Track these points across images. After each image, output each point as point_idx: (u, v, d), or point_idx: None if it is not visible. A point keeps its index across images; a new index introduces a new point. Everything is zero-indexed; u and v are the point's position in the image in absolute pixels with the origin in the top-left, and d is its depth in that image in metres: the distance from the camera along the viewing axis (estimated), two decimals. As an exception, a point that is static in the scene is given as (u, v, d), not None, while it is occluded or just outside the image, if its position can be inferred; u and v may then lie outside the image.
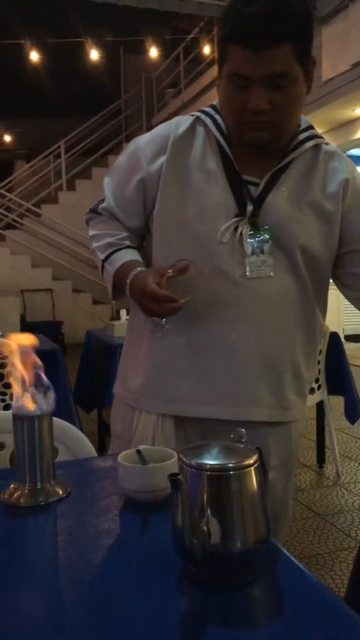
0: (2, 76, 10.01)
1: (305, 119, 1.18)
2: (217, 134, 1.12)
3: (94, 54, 9.37)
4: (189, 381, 1.09)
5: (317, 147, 1.15)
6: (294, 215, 1.10)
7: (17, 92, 10.42)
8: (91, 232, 1.22)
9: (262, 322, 1.10)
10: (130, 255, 1.15)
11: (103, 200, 1.20)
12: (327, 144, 1.18)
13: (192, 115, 1.17)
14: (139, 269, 1.10)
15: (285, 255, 1.10)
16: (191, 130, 1.14)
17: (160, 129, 1.16)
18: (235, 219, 1.09)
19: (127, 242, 1.18)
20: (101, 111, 10.51)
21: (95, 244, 1.19)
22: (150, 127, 9.92)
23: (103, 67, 9.86)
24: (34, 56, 9.48)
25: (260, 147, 1.09)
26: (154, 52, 9.12)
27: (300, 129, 1.15)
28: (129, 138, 10.50)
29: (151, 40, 8.63)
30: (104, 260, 1.16)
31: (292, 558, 0.71)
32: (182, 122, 1.15)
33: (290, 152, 1.12)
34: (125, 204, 1.16)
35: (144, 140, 1.16)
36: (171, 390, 1.10)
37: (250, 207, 1.09)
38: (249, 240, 1.09)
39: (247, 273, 1.09)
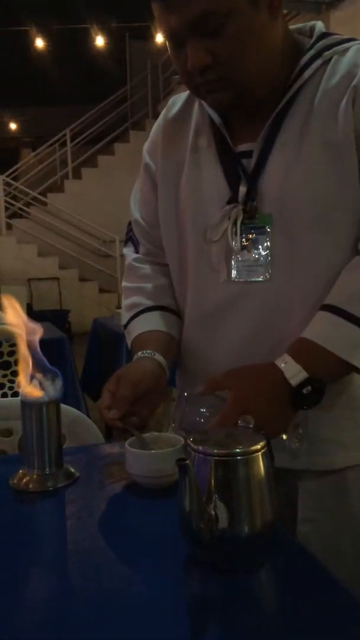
0: (8, 64, 9.95)
1: (319, 27, 0.94)
2: (207, 105, 0.96)
3: (100, 41, 9.32)
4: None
5: (328, 61, 0.89)
6: (295, 174, 0.88)
7: (22, 80, 10.37)
8: (123, 283, 1.13)
9: (246, 337, 0.93)
10: (147, 323, 1.03)
11: None
12: (347, 46, 0.89)
13: None
14: (145, 353, 0.97)
15: (294, 245, 0.90)
16: (186, 107, 1.02)
17: (158, 119, 1.09)
18: (227, 207, 0.93)
19: (151, 302, 1.05)
20: (107, 98, 10.45)
21: (123, 301, 1.11)
22: (156, 114, 9.89)
23: (108, 53, 9.80)
24: (39, 43, 9.44)
25: (235, 108, 0.91)
26: (159, 38, 9.03)
27: (309, 44, 0.91)
28: (135, 125, 10.45)
29: (157, 27, 8.54)
30: (125, 327, 1.09)
31: (300, 543, 0.71)
32: (177, 101, 1.05)
33: (289, 88, 0.89)
34: (147, 212, 1.08)
35: (148, 140, 1.10)
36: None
37: (243, 189, 0.92)
38: (238, 233, 0.91)
39: (234, 276, 0.93)
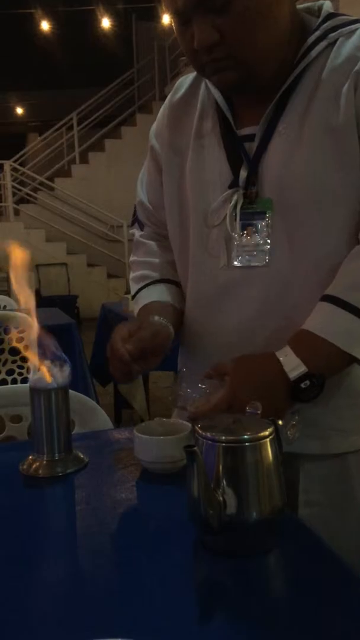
0: (13, 47, 9.86)
1: (326, 7, 0.92)
2: (212, 86, 0.96)
3: (106, 23, 9.20)
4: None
5: (333, 43, 0.88)
6: (296, 159, 0.87)
7: (28, 64, 10.28)
8: (131, 258, 1.15)
9: (247, 321, 0.93)
10: (155, 294, 1.05)
11: None
12: (353, 29, 0.87)
13: None
14: (161, 319, 0.97)
15: (294, 230, 0.89)
16: (193, 89, 1.01)
17: (165, 101, 1.08)
18: (228, 191, 0.92)
19: (158, 275, 1.07)
20: (113, 81, 10.35)
21: (131, 274, 1.13)
22: (163, 97, 9.80)
23: (115, 36, 9.68)
24: (45, 26, 9.34)
25: (242, 88, 0.90)
26: (166, 19, 8.90)
27: (316, 25, 0.90)
28: (142, 108, 10.36)
29: (163, 7, 8.42)
30: (132, 297, 1.11)
31: (311, 529, 0.72)
32: (184, 82, 1.04)
33: (293, 70, 0.88)
34: (153, 194, 1.09)
35: (155, 122, 1.09)
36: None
37: (244, 173, 0.91)
38: (239, 217, 0.91)
39: (234, 261, 0.92)
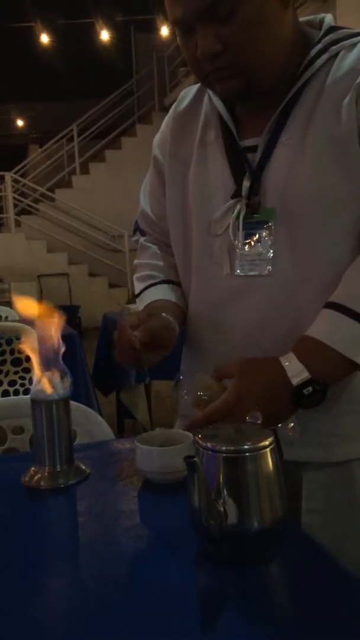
0: (13, 60, 9.96)
1: (328, 20, 0.93)
2: (215, 97, 0.97)
3: (105, 35, 9.29)
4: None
5: (335, 56, 0.89)
6: (299, 169, 0.88)
7: (28, 76, 10.37)
8: (135, 261, 1.17)
9: (250, 329, 0.93)
10: (160, 293, 1.06)
11: None
12: (355, 42, 0.89)
13: None
14: (163, 314, 0.98)
15: (297, 240, 0.89)
16: (196, 100, 1.02)
17: (169, 112, 1.09)
18: (231, 201, 0.93)
19: (162, 276, 1.08)
20: (113, 92, 10.42)
21: (135, 275, 1.15)
22: (162, 107, 9.87)
23: (114, 47, 9.77)
24: (45, 39, 9.42)
25: (244, 98, 0.91)
26: (165, 31, 8.98)
27: (317, 38, 0.91)
28: (141, 119, 10.43)
29: (162, 18, 8.51)
30: (137, 297, 1.12)
31: (313, 538, 0.72)
32: (187, 94, 1.05)
33: (296, 81, 0.89)
34: (156, 204, 1.10)
35: (158, 132, 1.10)
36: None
37: (247, 183, 0.92)
38: (242, 227, 0.92)
39: (237, 270, 0.93)
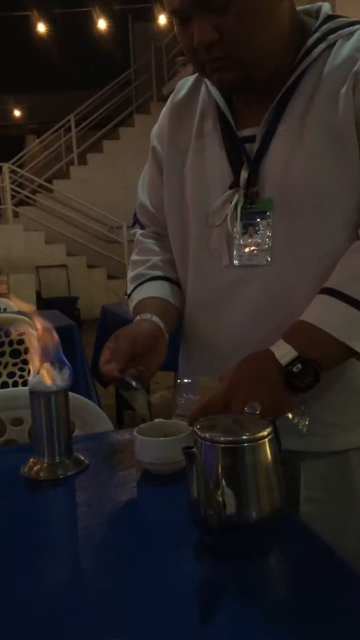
0: (10, 50, 9.88)
1: (325, 9, 0.93)
2: (212, 87, 0.97)
3: (102, 24, 9.21)
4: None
5: (332, 45, 0.89)
6: (297, 159, 0.88)
7: (25, 66, 10.30)
8: (132, 257, 1.16)
9: (249, 320, 0.93)
10: (151, 290, 1.05)
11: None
12: (352, 30, 0.88)
13: None
14: (143, 316, 0.99)
15: (295, 230, 0.89)
16: (194, 90, 1.02)
17: (167, 102, 1.08)
18: (229, 192, 0.93)
19: (154, 272, 1.08)
20: (111, 82, 10.35)
21: (129, 273, 1.14)
22: (160, 97, 9.81)
23: (111, 36, 9.69)
24: (41, 28, 9.34)
25: (241, 88, 0.91)
26: (162, 19, 8.90)
27: (315, 27, 0.91)
28: (139, 109, 10.36)
29: (159, 7, 8.43)
30: (128, 296, 1.12)
31: (311, 528, 0.72)
32: (185, 84, 1.05)
33: (293, 71, 0.89)
34: (154, 196, 1.09)
35: (156, 123, 1.10)
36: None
37: (245, 174, 0.92)
38: (240, 217, 0.92)
39: (235, 261, 0.93)
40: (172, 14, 0.86)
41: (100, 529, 0.75)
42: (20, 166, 9.88)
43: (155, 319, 0.99)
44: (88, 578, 0.65)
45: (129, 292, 1.12)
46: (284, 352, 0.81)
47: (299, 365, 0.79)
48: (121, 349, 0.92)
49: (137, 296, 1.07)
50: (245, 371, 0.82)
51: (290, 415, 0.83)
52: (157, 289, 1.06)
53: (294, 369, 0.80)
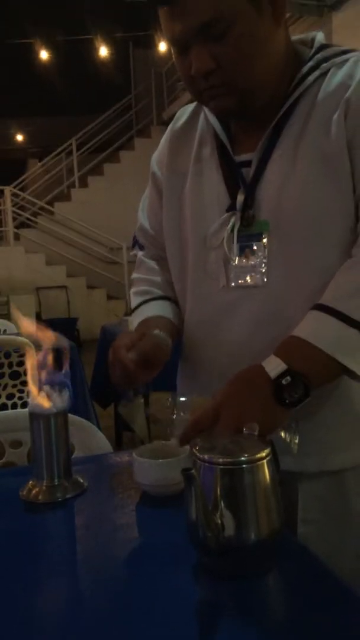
0: (13, 75, 10.05)
1: (319, 38, 0.96)
2: (210, 114, 0.99)
3: (103, 51, 9.39)
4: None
5: (326, 73, 0.91)
6: (291, 183, 0.90)
7: (27, 91, 10.47)
8: (133, 275, 1.19)
9: (245, 340, 0.94)
10: (155, 309, 1.07)
11: None
12: (345, 58, 0.91)
13: None
14: (159, 332, 0.99)
15: (290, 251, 0.91)
16: (193, 117, 1.05)
17: (167, 130, 1.11)
18: (226, 214, 0.96)
19: (158, 292, 1.10)
20: (112, 107, 10.52)
21: (132, 289, 1.16)
22: (160, 121, 9.96)
23: (112, 63, 9.87)
24: (44, 55, 9.53)
25: (238, 115, 0.94)
26: (163, 47, 9.08)
27: (309, 55, 0.93)
28: (140, 133, 10.51)
29: (160, 34, 8.59)
30: (133, 311, 1.13)
31: (309, 549, 0.72)
32: (184, 112, 1.08)
33: (288, 98, 0.91)
34: (154, 219, 1.12)
35: (157, 150, 1.13)
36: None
37: (241, 198, 0.94)
38: (237, 240, 0.94)
39: (232, 282, 0.95)
40: (171, 42, 0.88)
41: (99, 551, 0.74)
42: (22, 189, 9.98)
43: (167, 336, 1.00)
44: (87, 601, 0.65)
45: (133, 305, 1.13)
46: (273, 365, 0.81)
47: (288, 378, 0.79)
48: (146, 348, 0.93)
49: (145, 312, 1.09)
50: (235, 385, 0.83)
51: (282, 434, 0.83)
52: (161, 309, 1.08)
53: (283, 382, 0.80)
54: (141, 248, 1.18)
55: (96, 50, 9.48)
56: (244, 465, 0.64)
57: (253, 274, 0.94)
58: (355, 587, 0.62)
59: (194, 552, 0.66)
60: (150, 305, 1.09)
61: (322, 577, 0.65)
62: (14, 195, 9.57)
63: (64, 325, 7.18)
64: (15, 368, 2.33)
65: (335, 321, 0.82)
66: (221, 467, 0.64)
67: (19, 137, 13.58)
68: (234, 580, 0.64)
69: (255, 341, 0.94)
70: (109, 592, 0.65)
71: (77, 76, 9.91)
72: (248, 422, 0.73)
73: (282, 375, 0.80)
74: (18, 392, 2.32)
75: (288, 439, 0.83)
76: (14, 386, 2.33)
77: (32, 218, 9.75)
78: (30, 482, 0.91)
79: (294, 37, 0.97)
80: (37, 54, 9.50)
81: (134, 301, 1.13)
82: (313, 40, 0.96)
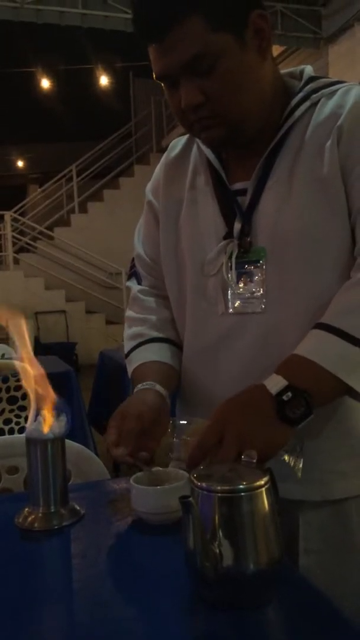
0: (15, 103, 10.24)
1: (308, 71, 0.98)
2: (204, 145, 1.02)
3: (104, 80, 9.58)
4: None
5: (316, 104, 0.94)
6: (286, 210, 0.91)
7: (29, 119, 10.65)
8: (127, 313, 1.17)
9: (244, 365, 0.95)
10: (151, 354, 1.06)
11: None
12: (334, 89, 0.93)
13: None
14: (145, 385, 0.99)
15: (287, 276, 0.92)
16: (186, 148, 1.08)
17: (161, 160, 1.13)
18: (223, 242, 0.97)
19: (153, 333, 1.08)
20: (112, 134, 10.69)
21: (126, 331, 1.14)
22: (160, 149, 10.12)
23: (113, 91, 10.07)
24: (45, 83, 9.72)
25: (228, 145, 0.96)
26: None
27: (299, 87, 0.96)
28: (139, 160, 10.67)
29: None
30: (126, 356, 1.11)
31: (310, 580, 0.71)
32: (178, 143, 1.10)
33: (280, 129, 0.94)
34: (151, 247, 1.12)
35: (151, 179, 1.14)
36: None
37: (238, 225, 0.96)
38: (234, 267, 0.95)
39: (230, 309, 0.96)
40: (161, 78, 0.91)
41: (95, 580, 0.73)
42: (22, 214, 10.07)
43: (158, 387, 0.99)
44: (83, 630, 0.63)
45: (126, 350, 1.11)
46: (274, 382, 0.81)
47: (289, 394, 0.79)
48: (129, 429, 0.91)
49: (137, 358, 1.07)
50: (236, 402, 0.82)
51: (286, 457, 0.82)
52: (156, 352, 1.06)
53: (284, 398, 0.79)
54: (138, 278, 1.16)
55: (97, 79, 9.68)
56: (242, 494, 0.64)
57: (251, 300, 0.95)
58: (356, 620, 0.61)
59: (191, 581, 0.65)
60: (143, 350, 1.07)
61: (322, 609, 0.64)
62: (14, 220, 9.65)
63: (62, 349, 7.16)
64: (12, 393, 2.32)
65: (336, 339, 0.82)
66: (219, 495, 0.64)
67: (20, 163, 13.76)
68: (232, 611, 0.63)
69: (255, 367, 0.94)
70: (105, 622, 0.64)
71: (78, 104, 10.10)
72: (251, 441, 0.73)
73: (283, 391, 0.79)
74: (15, 417, 2.31)
75: (292, 463, 0.82)
76: (11, 411, 2.31)
77: (32, 243, 9.81)
78: (26, 509, 0.90)
79: (283, 71, 1.01)
80: (38, 82, 9.71)
81: (127, 346, 1.11)
82: (302, 73, 0.99)
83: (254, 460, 0.70)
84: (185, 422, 0.91)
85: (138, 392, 0.99)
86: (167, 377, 1.03)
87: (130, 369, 1.08)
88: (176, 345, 1.08)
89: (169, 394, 1.00)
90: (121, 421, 0.92)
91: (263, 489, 0.65)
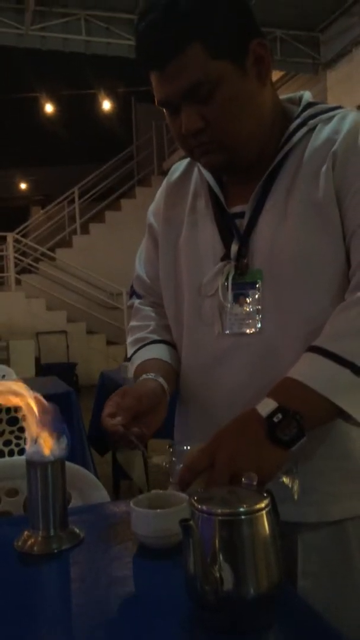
0: (19, 127, 10.39)
1: (306, 97, 1.01)
2: (204, 169, 1.03)
3: (107, 105, 9.74)
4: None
5: (313, 129, 0.96)
6: (283, 233, 0.93)
7: (32, 142, 10.81)
8: (130, 323, 1.20)
9: (241, 385, 0.95)
10: (152, 353, 1.09)
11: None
12: (331, 115, 0.96)
13: None
14: (149, 375, 1.01)
15: (283, 298, 0.93)
16: (187, 171, 1.10)
17: (162, 184, 1.16)
18: (220, 264, 0.98)
19: (154, 336, 1.12)
20: (114, 157, 10.83)
21: (129, 338, 1.18)
22: (161, 171, 10.24)
23: (115, 115, 10.23)
24: (49, 108, 9.88)
25: (228, 170, 0.98)
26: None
27: (297, 113, 0.98)
28: (140, 182, 10.78)
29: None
30: (129, 359, 1.15)
31: (309, 603, 0.70)
32: (179, 166, 1.12)
33: (278, 154, 0.96)
34: (151, 269, 1.15)
35: (153, 202, 1.17)
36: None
37: (235, 247, 0.98)
38: (231, 288, 0.96)
39: (227, 330, 0.97)
40: (162, 104, 0.93)
41: (95, 605, 0.72)
42: (24, 235, 10.15)
43: (160, 379, 1.01)
44: (81, 659, 0.63)
45: (129, 354, 1.14)
46: (265, 405, 0.81)
47: (279, 415, 0.79)
48: (127, 405, 0.93)
49: (139, 358, 1.10)
50: (229, 427, 0.82)
51: (284, 479, 0.82)
52: (158, 352, 1.09)
53: (275, 419, 0.79)
54: (139, 296, 1.20)
55: (100, 103, 9.84)
56: (242, 517, 0.64)
57: (247, 321, 0.96)
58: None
59: (191, 605, 0.64)
60: (145, 350, 1.10)
61: (321, 632, 0.64)
62: (17, 241, 9.72)
63: (62, 370, 7.15)
64: (12, 414, 2.32)
65: (328, 362, 0.83)
66: (220, 518, 0.63)
67: (23, 186, 13.91)
68: (232, 635, 0.63)
69: (250, 388, 0.94)
70: (104, 650, 0.63)
71: (81, 128, 10.26)
72: (243, 464, 0.73)
73: (274, 413, 0.79)
74: (15, 439, 2.30)
75: (290, 485, 0.82)
76: (11, 432, 2.30)
77: (34, 264, 9.87)
78: (26, 532, 0.89)
79: (282, 96, 1.03)
80: (42, 107, 9.86)
81: (130, 350, 1.15)
82: (300, 98, 1.02)
83: (254, 483, 0.70)
84: (186, 447, 0.91)
85: (141, 381, 1.01)
86: (168, 373, 1.04)
87: (132, 369, 1.10)
88: (175, 348, 1.11)
89: (169, 388, 1.01)
90: (121, 398, 0.94)
91: (264, 511, 0.65)
